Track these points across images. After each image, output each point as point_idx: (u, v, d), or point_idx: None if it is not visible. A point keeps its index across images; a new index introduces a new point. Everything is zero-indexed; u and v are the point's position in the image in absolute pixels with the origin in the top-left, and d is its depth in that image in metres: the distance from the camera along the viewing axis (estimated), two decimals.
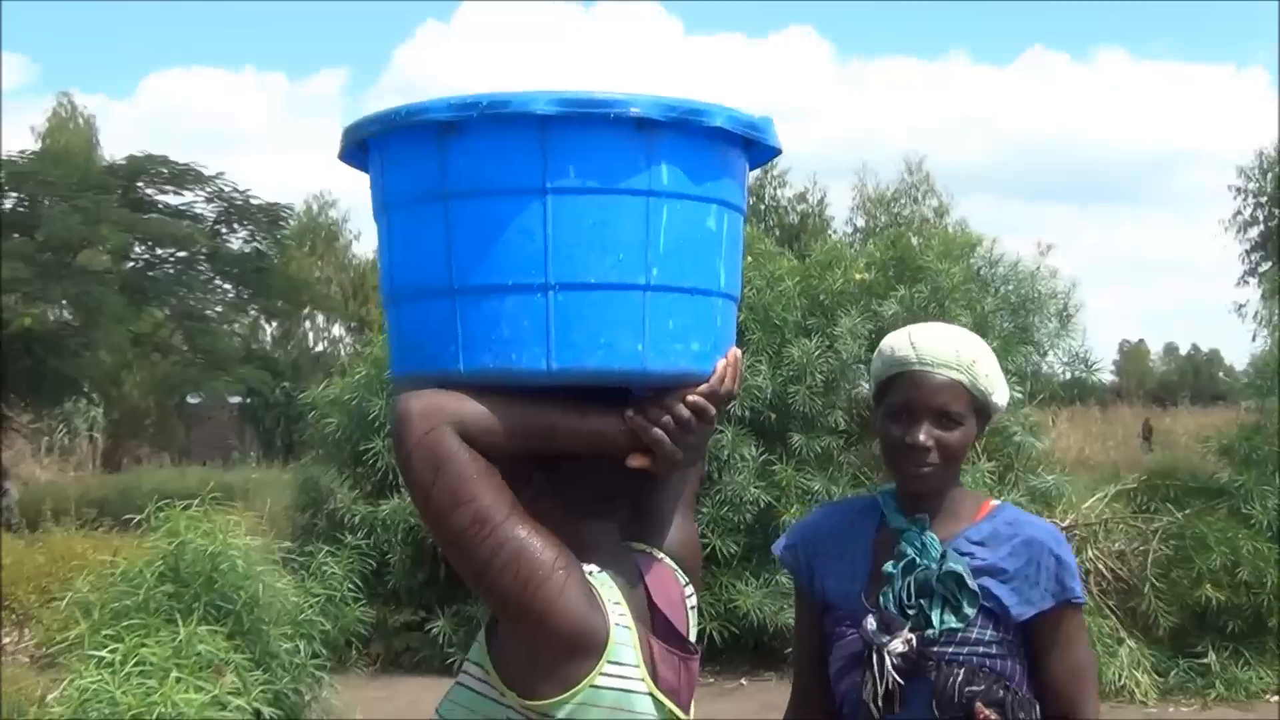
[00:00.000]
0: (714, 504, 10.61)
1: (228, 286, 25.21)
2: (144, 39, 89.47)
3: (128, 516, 18.26)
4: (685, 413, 1.95)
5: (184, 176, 23.63)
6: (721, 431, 10.60)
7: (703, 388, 1.97)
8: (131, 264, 24.26)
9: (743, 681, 10.67)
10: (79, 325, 21.90)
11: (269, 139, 77.21)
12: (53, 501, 19.08)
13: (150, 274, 24.24)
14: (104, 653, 6.12)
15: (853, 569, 2.70)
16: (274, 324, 37.22)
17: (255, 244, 24.91)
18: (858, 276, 11.45)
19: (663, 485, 2.19)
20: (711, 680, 10.73)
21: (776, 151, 2.10)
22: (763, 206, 35.35)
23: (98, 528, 15.90)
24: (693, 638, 2.14)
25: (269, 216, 24.60)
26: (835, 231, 34.82)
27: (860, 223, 36.77)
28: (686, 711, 2.01)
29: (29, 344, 21.24)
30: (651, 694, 1.94)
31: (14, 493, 23.00)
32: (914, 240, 12.80)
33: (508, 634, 1.95)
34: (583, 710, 1.88)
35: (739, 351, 2.05)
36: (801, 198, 36.66)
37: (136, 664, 6.01)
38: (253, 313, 28.57)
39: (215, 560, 7.11)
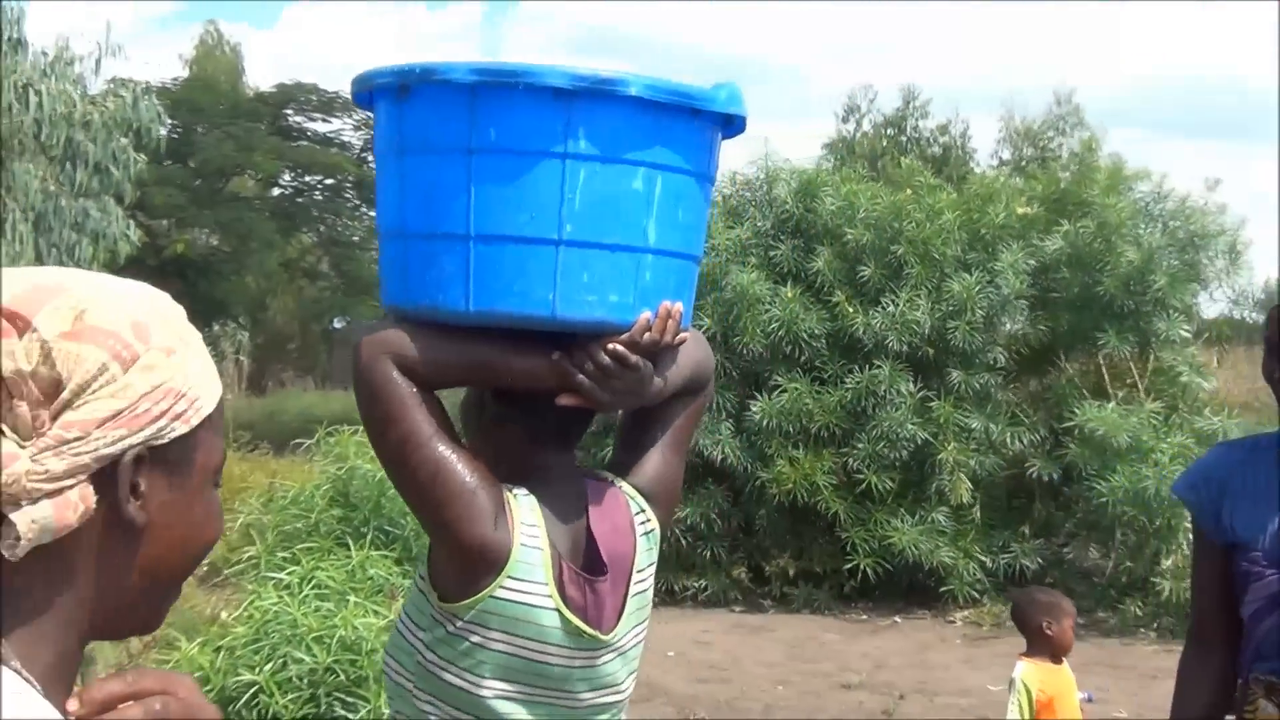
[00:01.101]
0: (869, 440, 10.48)
1: (372, 214, 25.50)
2: None
3: (288, 439, 18.64)
4: (604, 359, 2.12)
5: (332, 104, 23.90)
6: (879, 367, 10.49)
7: (623, 337, 2.12)
8: (279, 191, 24.68)
9: (897, 619, 10.58)
10: (230, 250, 22.32)
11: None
12: None
13: (298, 200, 24.62)
14: (283, 575, 6.21)
15: (1266, 506, 2.69)
16: None
17: None
18: (1020, 210, 11.19)
19: (648, 423, 2.38)
20: (865, 617, 10.68)
21: (734, 118, 2.25)
22: (904, 139, 34.69)
23: (252, 450, 16.23)
24: (642, 561, 2.28)
25: None
26: (979, 165, 34.22)
27: (1006, 155, 35.87)
28: (598, 627, 2.18)
29: (181, 268, 21.70)
30: (558, 609, 2.12)
31: None
32: (1062, 175, 12.49)
33: (431, 543, 2.21)
34: (484, 617, 2.09)
35: (676, 305, 2.18)
36: (944, 130, 35.91)
37: (314, 586, 6.09)
38: None
39: (383, 485, 7.16)
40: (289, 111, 24.02)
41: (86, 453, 1.07)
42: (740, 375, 10.85)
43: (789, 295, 10.68)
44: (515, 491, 2.16)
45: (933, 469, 10.58)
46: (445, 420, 2.13)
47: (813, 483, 10.35)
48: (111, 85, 11.59)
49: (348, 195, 24.90)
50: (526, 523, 2.13)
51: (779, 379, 10.62)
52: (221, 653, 5.80)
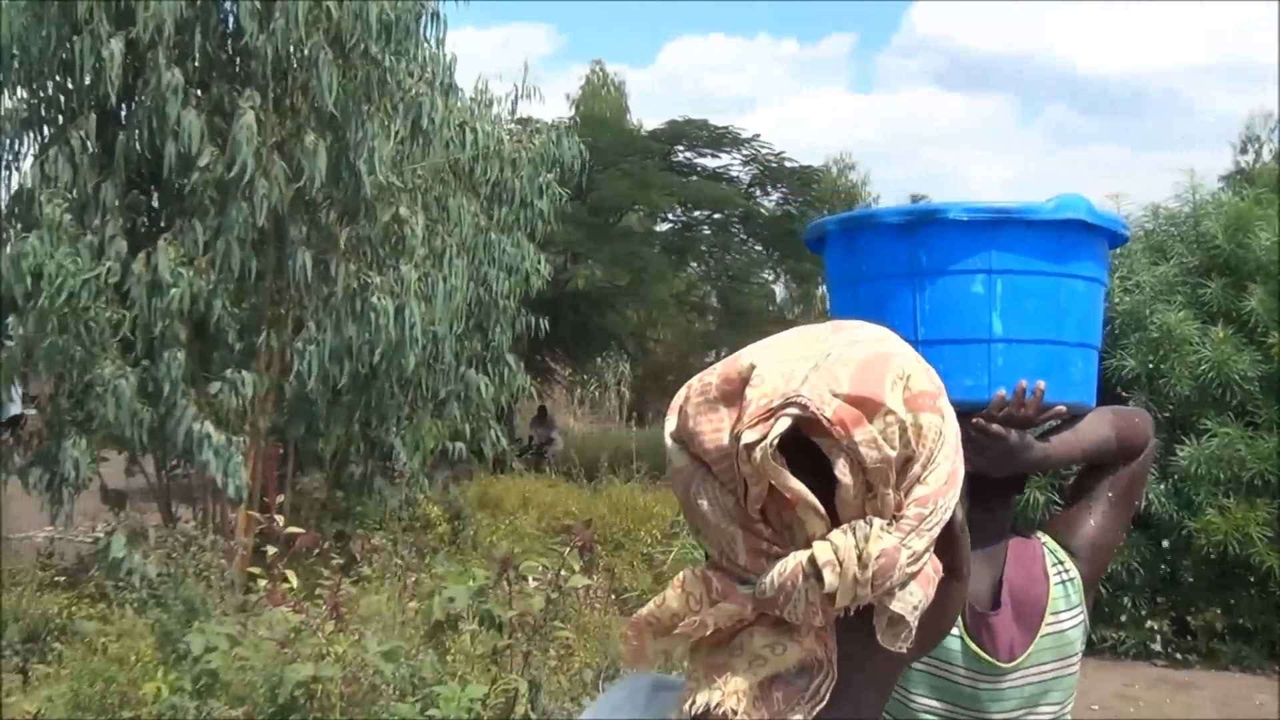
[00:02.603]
0: None
1: (759, 248, 25.65)
2: (661, 9, 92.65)
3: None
4: (970, 431, 2.46)
5: (721, 140, 24.21)
6: None
7: (983, 413, 2.51)
8: (668, 225, 25.15)
9: None
10: (623, 285, 22.83)
11: (782, 103, 78.40)
12: (590, 452, 20.02)
13: (686, 235, 25.03)
14: None
15: None
16: (792, 286, 37.60)
17: (787, 206, 25.22)
18: None
19: (1077, 491, 2.76)
20: None
21: (1115, 234, 2.70)
22: None
23: (650, 480, 16.55)
24: (1058, 605, 2.63)
25: (801, 179, 24.86)
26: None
27: None
28: (994, 654, 2.58)
29: (575, 302, 22.37)
30: (961, 637, 2.58)
31: (560, 442, 24.35)
32: None
33: None
34: None
35: (1037, 384, 2.50)
36: None
37: None
38: (779, 274, 28.84)
39: None
40: (680, 147, 24.46)
41: (936, 524, 1.04)
42: (1167, 419, 10.28)
43: (1219, 335, 10.08)
44: None
45: None
46: None
47: (1245, 534, 9.72)
48: (522, 125, 12.06)
49: (735, 229, 25.13)
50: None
51: (1208, 423, 10.03)
52: None
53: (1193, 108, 72.41)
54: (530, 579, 6.13)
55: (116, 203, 8.76)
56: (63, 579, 10.27)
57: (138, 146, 8.76)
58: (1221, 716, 8.74)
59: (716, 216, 24.94)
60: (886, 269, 2.59)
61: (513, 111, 12.19)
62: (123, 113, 9.23)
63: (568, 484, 16.83)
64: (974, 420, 2.49)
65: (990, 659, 2.59)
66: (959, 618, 2.35)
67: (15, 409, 9.70)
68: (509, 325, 11.82)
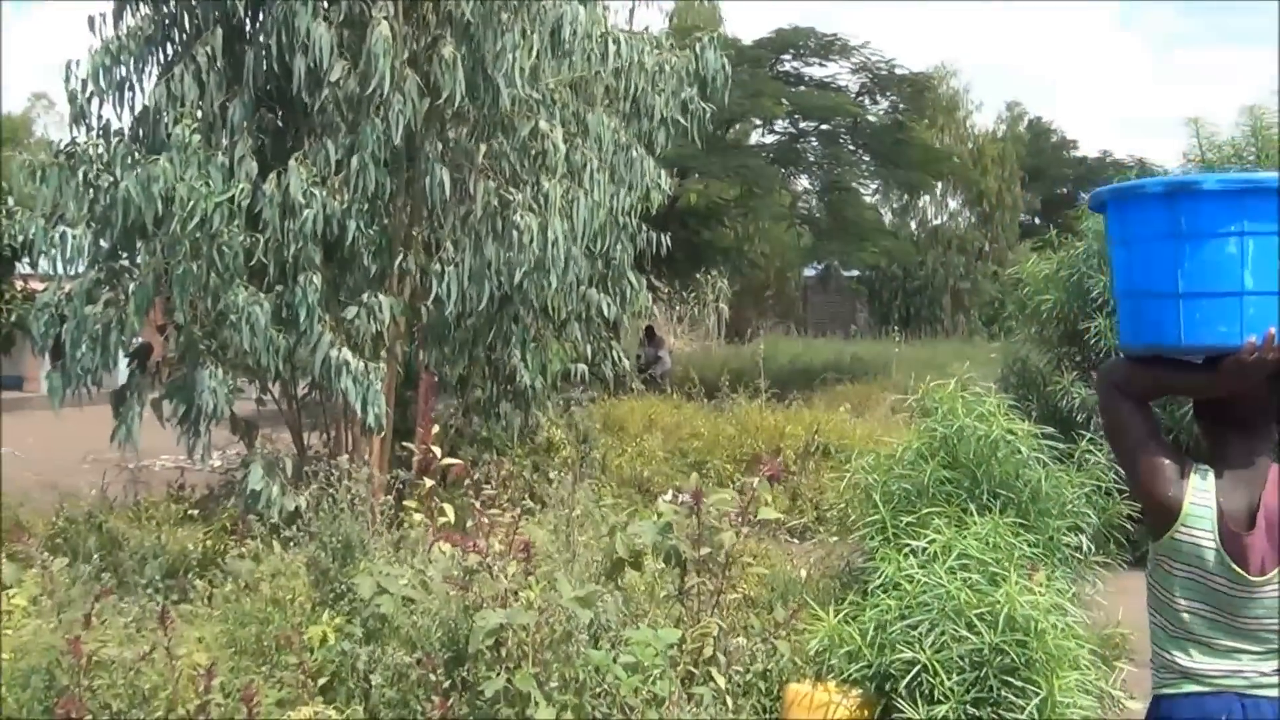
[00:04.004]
0: None
1: (868, 158, 25.00)
2: None
3: (789, 386, 18.43)
4: (1229, 366, 3.01)
5: (830, 48, 23.52)
6: None
7: (1235, 356, 2.98)
8: (775, 137, 24.54)
9: None
10: (734, 198, 22.30)
11: (863, 12, 76.44)
12: (694, 370, 19.66)
13: (796, 146, 24.41)
14: (922, 542, 5.79)
15: None
16: (895, 196, 36.82)
17: (896, 115, 24.51)
18: None
19: None
20: None
21: None
22: None
23: (769, 398, 16.15)
24: None
25: (913, 86, 24.12)
26: None
27: None
28: (1245, 568, 2.99)
29: (683, 217, 21.89)
30: (1217, 549, 3.02)
31: (668, 361, 24.00)
32: None
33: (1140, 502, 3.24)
34: (1171, 551, 3.08)
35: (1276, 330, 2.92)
36: None
37: (958, 557, 5.63)
38: (889, 184, 28.15)
39: (995, 447, 6.61)
40: (786, 56, 23.80)
41: None
42: None
43: None
44: (1200, 468, 3.11)
45: None
46: (1150, 421, 3.18)
47: None
48: (663, 37, 11.50)
49: (842, 139, 24.48)
50: (1200, 489, 3.07)
51: None
52: (872, 626, 5.43)
53: None
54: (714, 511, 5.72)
55: (245, 122, 8.39)
56: (196, 512, 10.07)
57: (265, 62, 8.37)
58: None
59: (824, 127, 24.30)
60: (1153, 231, 3.06)
61: (629, 22, 11.69)
62: (249, 27, 8.83)
63: (690, 404, 16.45)
64: (1227, 360, 2.99)
65: (1242, 572, 3.00)
66: (1214, 534, 3.02)
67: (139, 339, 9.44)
68: (630, 242, 11.35)
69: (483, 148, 8.79)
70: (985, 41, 70.26)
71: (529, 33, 8.45)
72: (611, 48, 9.44)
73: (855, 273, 40.20)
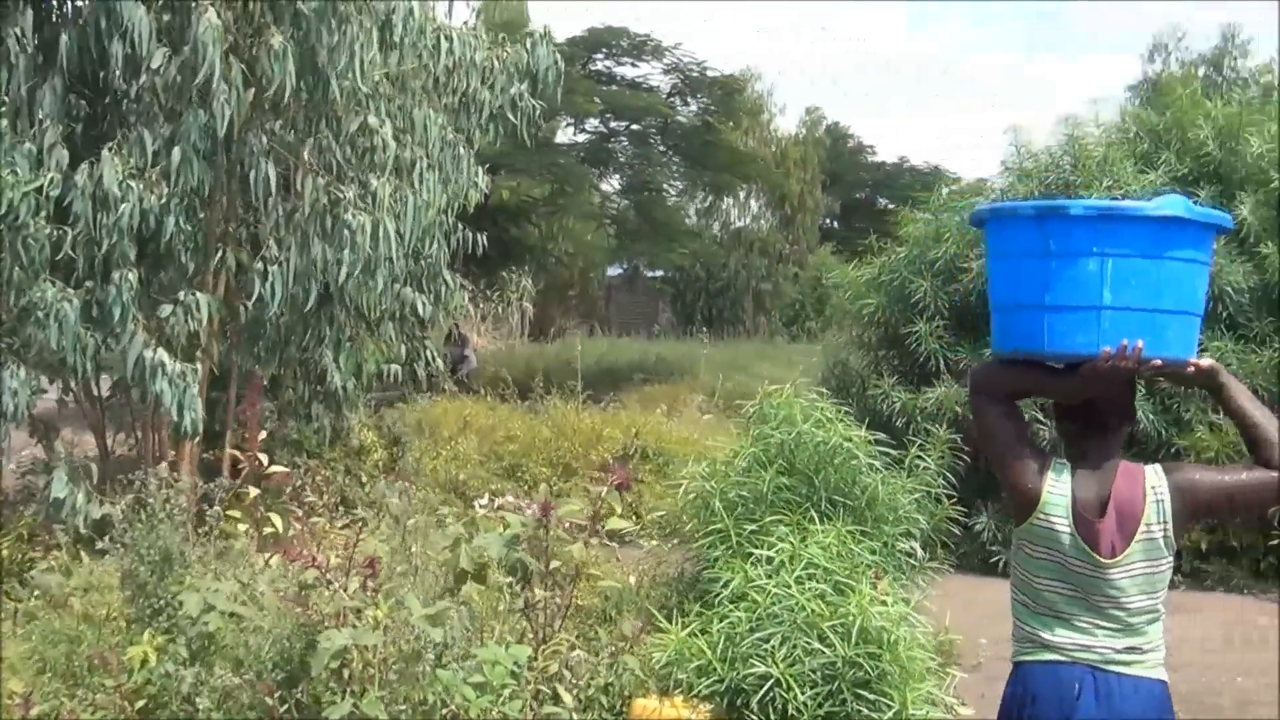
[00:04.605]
0: None
1: (677, 159, 25.06)
2: None
3: (606, 388, 18.26)
4: (1085, 371, 3.34)
5: (643, 48, 23.52)
6: None
7: (1091, 364, 3.31)
8: (587, 136, 24.45)
9: None
10: (544, 197, 22.10)
11: (692, 10, 76.85)
12: (503, 369, 19.43)
13: (608, 145, 24.34)
14: (769, 552, 5.74)
15: None
16: (699, 197, 36.95)
17: (706, 117, 24.62)
18: None
19: (1218, 466, 4.07)
20: None
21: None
22: (1220, 79, 32.80)
23: (584, 400, 16.07)
24: (1150, 518, 3.37)
25: (723, 89, 24.26)
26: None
27: None
28: (1100, 551, 3.36)
29: (493, 215, 21.60)
30: (1071, 534, 3.38)
31: (474, 360, 23.70)
32: None
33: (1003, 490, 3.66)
34: (1031, 535, 3.45)
35: (1133, 343, 3.22)
36: (1266, 69, 33.77)
37: (806, 566, 5.60)
38: (696, 186, 28.24)
39: (832, 454, 6.60)
40: (599, 55, 23.73)
41: None
42: None
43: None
44: (1059, 463, 3.47)
45: None
46: (1017, 420, 3.54)
47: (1237, 450, 9.47)
48: (492, 32, 11.28)
49: (653, 140, 24.50)
50: (1057, 481, 3.43)
51: (1199, 337, 9.75)
52: (722, 639, 5.35)
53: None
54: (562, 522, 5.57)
55: (55, 109, 7.94)
56: None
57: (79, 47, 7.94)
58: (1228, 643, 8.52)
59: (635, 127, 24.30)
60: (1025, 249, 3.37)
61: (448, 16, 11.46)
62: (62, 9, 8.38)
63: (504, 406, 16.24)
64: (1083, 368, 3.32)
65: (1094, 554, 3.37)
66: (1069, 520, 3.38)
67: None
68: (445, 240, 11.11)
69: (309, 143, 8.48)
70: (787, 45, 71.30)
71: (366, 25, 8.17)
72: (444, 44, 9.21)
73: (660, 273, 40.33)
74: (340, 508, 9.74)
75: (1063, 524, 3.37)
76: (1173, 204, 3.32)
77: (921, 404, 10.35)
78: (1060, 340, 3.30)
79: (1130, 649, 3.37)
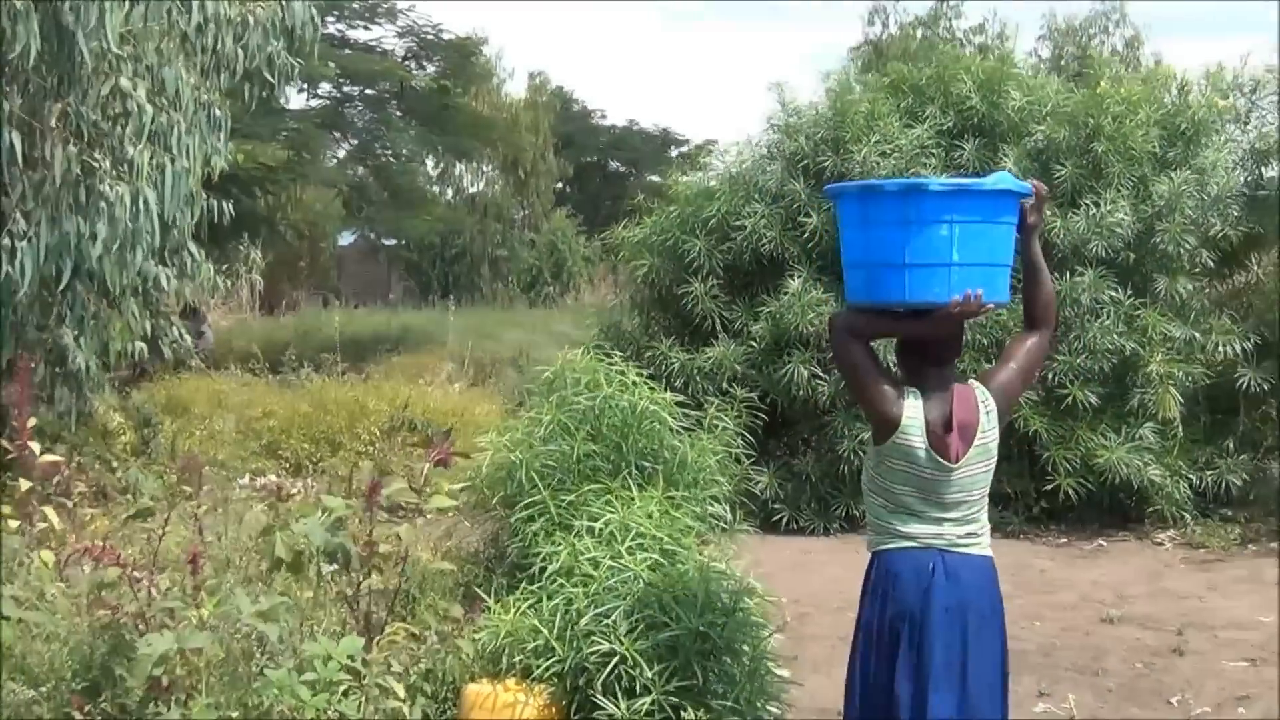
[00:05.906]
0: (1070, 351, 9.86)
1: (414, 124, 24.44)
2: None
3: (354, 359, 17.75)
4: (940, 316, 3.99)
5: (375, 11, 22.85)
6: (1081, 274, 9.89)
7: (943, 309, 3.96)
8: (320, 101, 23.63)
9: (1101, 543, 10.00)
10: (286, 163, 21.12)
11: None
12: (241, 344, 18.67)
13: (343, 110, 23.58)
14: (596, 523, 5.54)
15: None
16: (433, 163, 36.26)
17: (442, 81, 24.09)
18: (1220, 103, 10.51)
19: (1002, 357, 4.28)
20: (1064, 540, 10.10)
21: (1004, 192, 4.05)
22: (937, 38, 33.83)
23: (342, 373, 15.57)
24: (985, 426, 4.02)
25: (459, 52, 23.77)
26: (1017, 66, 32.85)
27: (1045, 54, 34.97)
28: (945, 458, 3.94)
29: (226, 185, 20.69)
30: (925, 449, 3.96)
31: (210, 336, 22.75)
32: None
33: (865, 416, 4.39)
34: (891, 451, 4.00)
35: (975, 292, 3.86)
36: (979, 29, 35.01)
37: (634, 536, 5.43)
38: (435, 151, 27.60)
39: (640, 418, 6.45)
40: (331, 19, 22.92)
41: None
42: None
43: None
44: (911, 391, 4.02)
45: (1134, 382, 9.99)
46: (873, 357, 4.10)
47: None
48: None
49: (389, 105, 23.83)
50: (912, 406, 3.99)
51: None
52: (558, 617, 5.13)
53: None
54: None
55: None
56: None
57: None
58: (1016, 586, 8.71)
59: (370, 92, 23.61)
60: (889, 219, 3.96)
61: None
62: None
63: (258, 381, 15.58)
64: (938, 313, 3.95)
65: (943, 461, 3.95)
66: (923, 437, 3.95)
67: None
68: (188, 208, 10.48)
69: (56, 108, 7.83)
70: (515, 8, 70.77)
71: None
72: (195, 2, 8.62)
73: (392, 241, 39.55)
74: (101, 497, 9.16)
75: (919, 440, 3.97)
76: (1004, 179, 4.05)
77: (700, 364, 10.29)
78: (919, 291, 3.94)
79: (969, 535, 4.02)
